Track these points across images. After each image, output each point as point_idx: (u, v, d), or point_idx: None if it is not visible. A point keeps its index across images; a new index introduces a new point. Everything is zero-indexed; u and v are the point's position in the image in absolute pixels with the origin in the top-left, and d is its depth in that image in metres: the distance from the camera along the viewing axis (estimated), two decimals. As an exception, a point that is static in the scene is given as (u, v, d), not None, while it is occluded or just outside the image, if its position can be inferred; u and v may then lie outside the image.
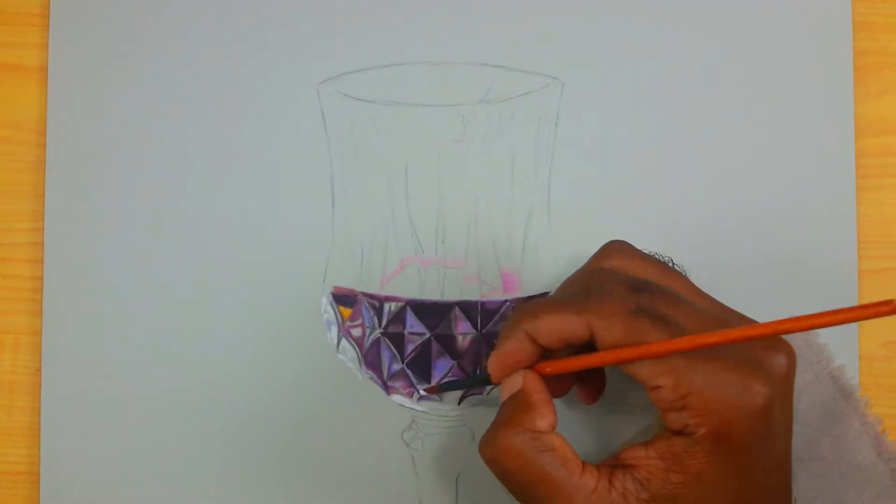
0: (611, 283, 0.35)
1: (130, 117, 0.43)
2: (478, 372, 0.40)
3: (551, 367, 0.36)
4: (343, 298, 0.42)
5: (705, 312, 0.34)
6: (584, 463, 0.34)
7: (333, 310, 0.42)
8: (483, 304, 0.41)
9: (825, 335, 0.42)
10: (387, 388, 0.42)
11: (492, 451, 0.35)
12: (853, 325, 0.42)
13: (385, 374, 0.41)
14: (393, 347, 0.41)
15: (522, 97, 0.42)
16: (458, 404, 0.42)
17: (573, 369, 0.35)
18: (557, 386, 0.39)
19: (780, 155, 0.43)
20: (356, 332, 0.42)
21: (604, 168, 0.43)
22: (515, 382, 0.36)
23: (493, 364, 0.36)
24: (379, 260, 0.41)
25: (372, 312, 0.41)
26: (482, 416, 0.42)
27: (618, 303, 0.34)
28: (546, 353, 0.36)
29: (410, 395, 0.41)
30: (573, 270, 0.42)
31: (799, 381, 0.41)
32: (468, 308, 0.41)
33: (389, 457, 0.42)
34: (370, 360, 0.41)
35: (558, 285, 0.38)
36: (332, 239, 0.43)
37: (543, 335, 0.35)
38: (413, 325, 0.41)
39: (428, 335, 0.41)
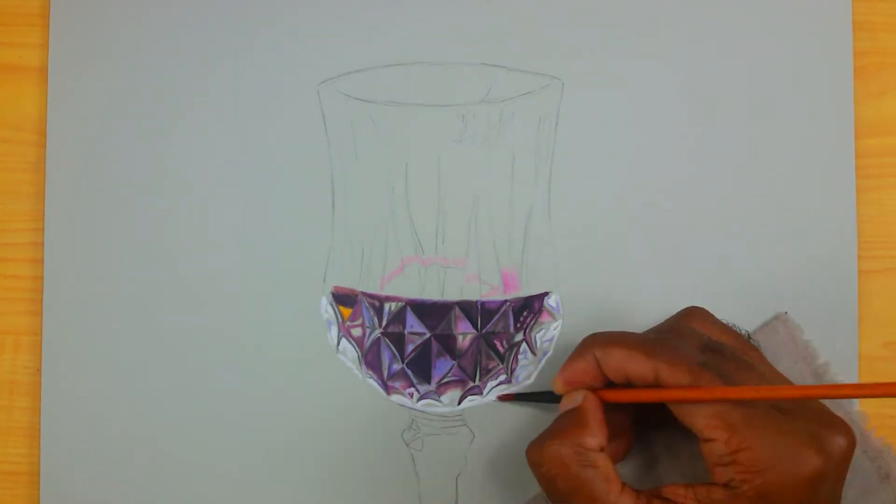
0: (685, 338, 0.37)
1: (130, 117, 0.43)
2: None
3: (611, 396, 0.37)
4: (343, 298, 0.42)
5: (774, 383, 0.36)
6: (624, 485, 0.36)
7: (333, 310, 0.42)
8: (483, 304, 0.41)
9: (822, 332, 0.42)
10: (387, 388, 0.42)
11: (538, 456, 0.36)
12: (853, 325, 0.42)
13: (385, 374, 0.41)
14: (393, 347, 0.41)
15: (522, 97, 0.42)
16: (458, 404, 0.42)
17: (630, 401, 0.37)
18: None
19: (781, 155, 0.43)
20: (356, 332, 0.42)
21: (603, 168, 0.43)
22: (575, 399, 0.38)
23: (558, 377, 0.38)
24: (379, 260, 0.41)
25: (372, 312, 0.41)
26: (482, 417, 0.42)
27: (687, 354, 0.35)
28: (609, 386, 0.38)
29: (410, 396, 0.41)
30: (573, 270, 0.42)
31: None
32: (468, 308, 0.41)
33: (389, 457, 0.42)
34: (370, 360, 0.41)
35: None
36: (332, 239, 0.42)
37: (610, 365, 0.37)
38: (413, 324, 0.41)
39: (428, 335, 0.41)
